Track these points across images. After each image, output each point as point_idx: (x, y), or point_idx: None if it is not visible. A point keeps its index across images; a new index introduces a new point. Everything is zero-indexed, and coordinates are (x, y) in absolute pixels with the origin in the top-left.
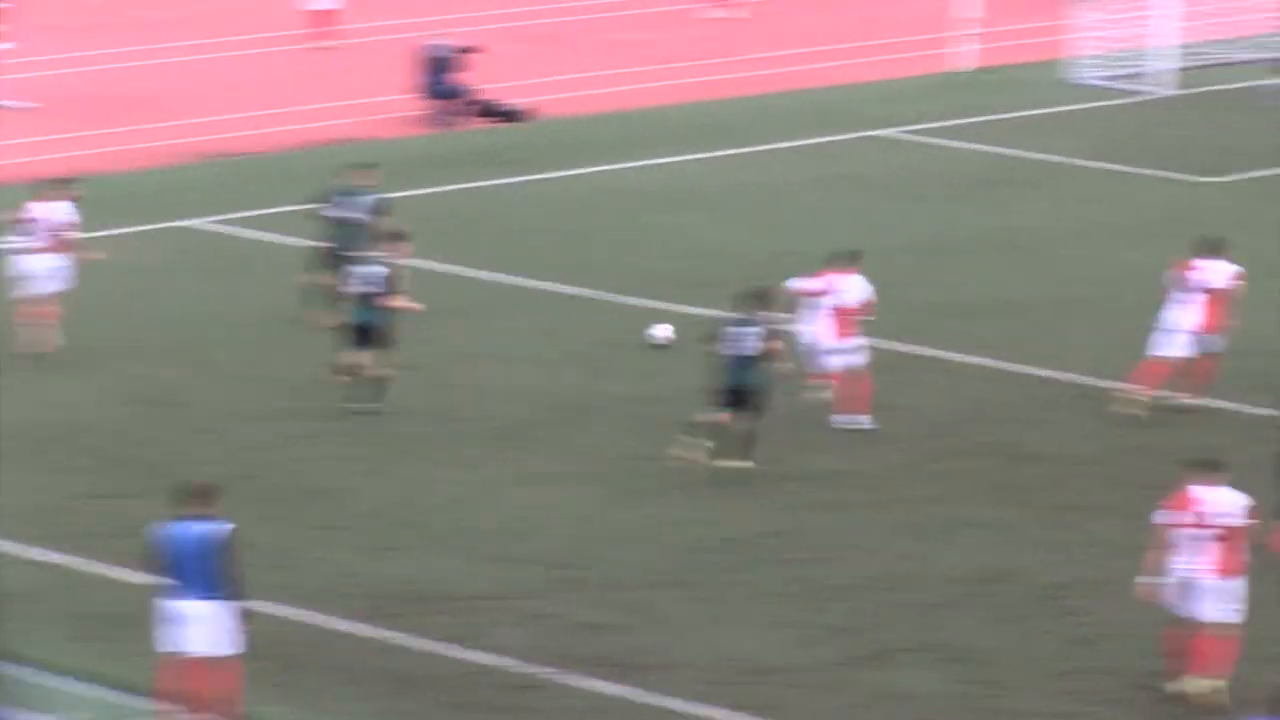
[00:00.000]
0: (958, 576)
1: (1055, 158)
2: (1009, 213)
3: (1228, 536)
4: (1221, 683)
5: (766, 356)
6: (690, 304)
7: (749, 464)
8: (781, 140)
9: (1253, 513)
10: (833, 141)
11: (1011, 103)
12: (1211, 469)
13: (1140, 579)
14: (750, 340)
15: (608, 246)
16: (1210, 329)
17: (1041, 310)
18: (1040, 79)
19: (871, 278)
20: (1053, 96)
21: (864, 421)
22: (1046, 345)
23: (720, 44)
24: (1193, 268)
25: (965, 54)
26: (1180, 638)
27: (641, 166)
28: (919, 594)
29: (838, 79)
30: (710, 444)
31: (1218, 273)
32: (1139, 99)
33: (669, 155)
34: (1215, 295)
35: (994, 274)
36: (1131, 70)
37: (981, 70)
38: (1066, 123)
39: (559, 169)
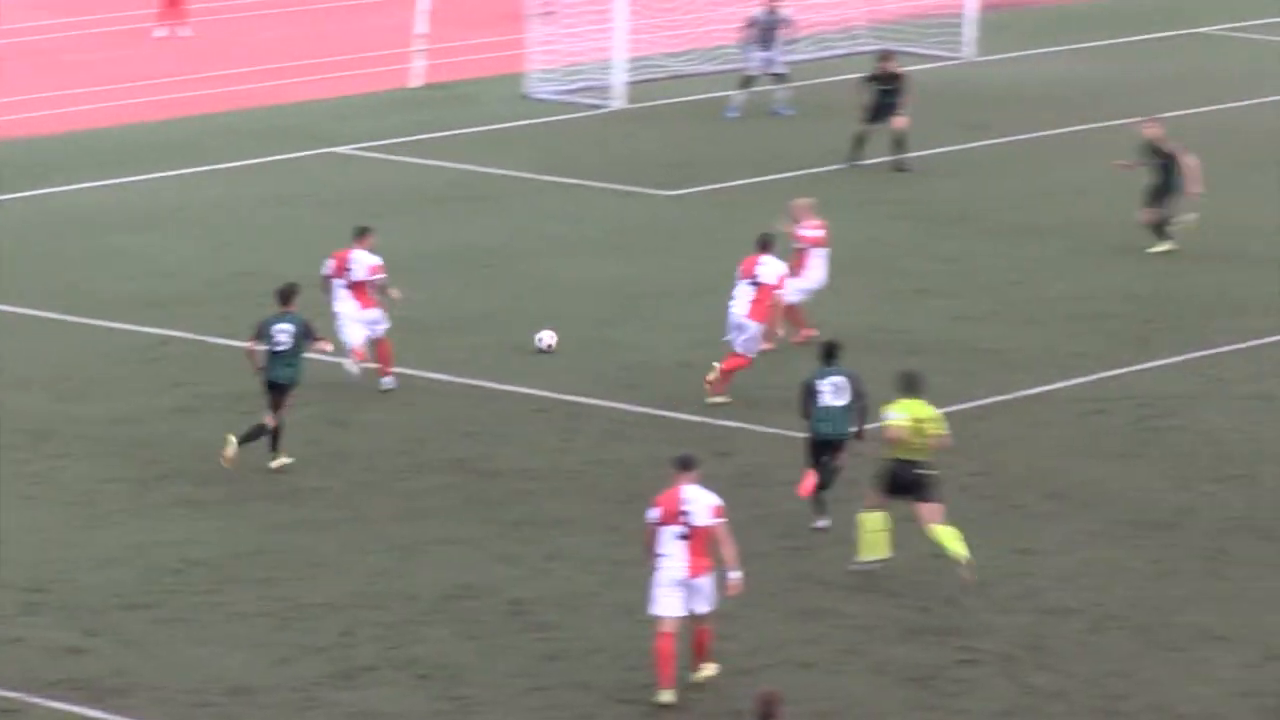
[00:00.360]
0: (428, 593)
1: (513, 172)
2: (467, 229)
3: (694, 535)
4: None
5: (298, 351)
6: (153, 325)
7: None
8: (239, 159)
9: (719, 511)
10: (290, 159)
11: (469, 118)
12: (683, 467)
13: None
14: (283, 336)
15: (70, 268)
16: (760, 319)
17: (501, 325)
18: (497, 94)
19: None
20: (510, 111)
21: (387, 382)
22: (507, 360)
23: (175, 62)
24: (755, 263)
25: (419, 70)
26: (672, 638)
27: (100, 187)
28: (390, 612)
29: (294, 96)
30: (239, 442)
31: (768, 268)
32: (595, 113)
33: (127, 175)
34: (763, 290)
35: (453, 290)
36: (587, 84)
37: (436, 86)
38: (523, 137)
39: (18, 191)
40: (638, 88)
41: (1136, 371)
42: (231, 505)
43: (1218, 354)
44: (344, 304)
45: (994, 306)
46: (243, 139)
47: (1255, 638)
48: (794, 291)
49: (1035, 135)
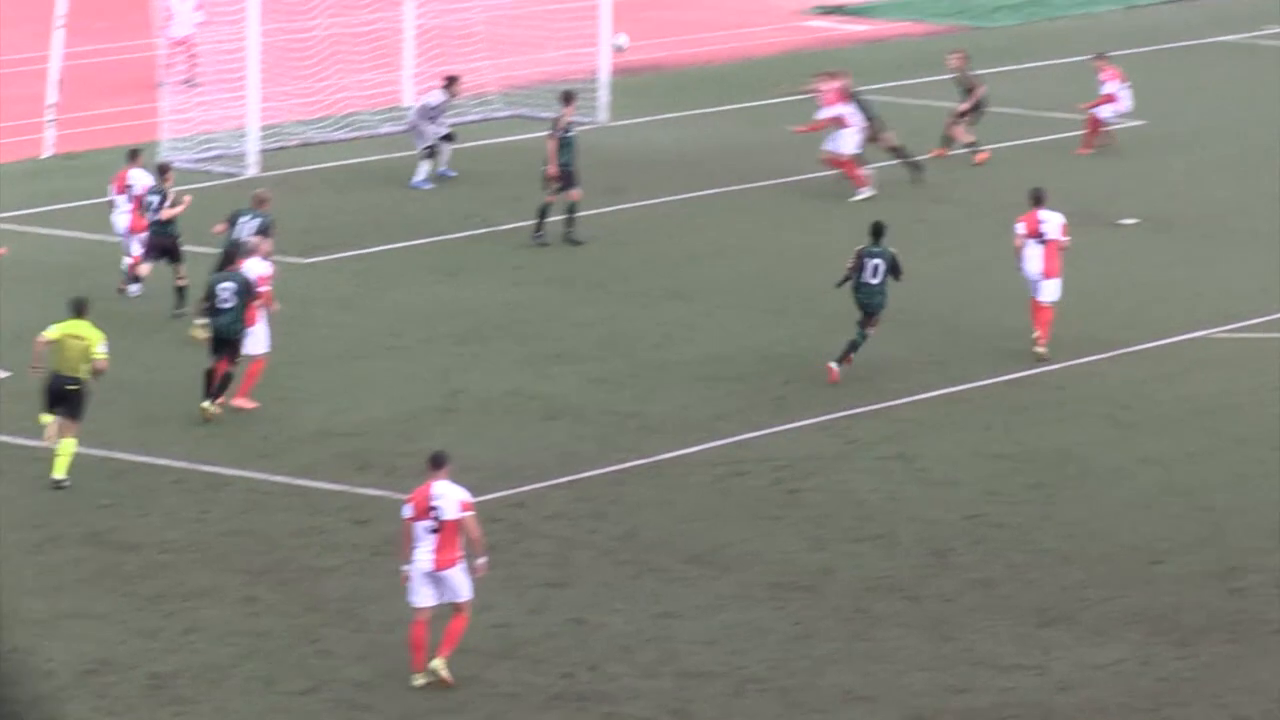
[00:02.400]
0: (64, 670)
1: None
2: (101, 299)
3: (444, 528)
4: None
5: (243, 308)
6: None
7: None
8: None
9: (467, 505)
10: None
11: (100, 188)
12: (435, 465)
13: (403, 568)
14: (225, 294)
15: None
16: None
17: (139, 395)
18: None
19: None
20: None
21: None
22: (143, 432)
23: None
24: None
25: (50, 140)
26: (424, 625)
27: None
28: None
29: None
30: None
31: (1050, 223)
32: (229, 181)
33: None
34: (1051, 244)
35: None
36: (221, 152)
37: (68, 156)
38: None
39: None
40: (271, 155)
41: (774, 433)
42: None
43: (854, 415)
44: None
45: (633, 370)
46: None
47: (897, 698)
48: None
49: (672, 198)
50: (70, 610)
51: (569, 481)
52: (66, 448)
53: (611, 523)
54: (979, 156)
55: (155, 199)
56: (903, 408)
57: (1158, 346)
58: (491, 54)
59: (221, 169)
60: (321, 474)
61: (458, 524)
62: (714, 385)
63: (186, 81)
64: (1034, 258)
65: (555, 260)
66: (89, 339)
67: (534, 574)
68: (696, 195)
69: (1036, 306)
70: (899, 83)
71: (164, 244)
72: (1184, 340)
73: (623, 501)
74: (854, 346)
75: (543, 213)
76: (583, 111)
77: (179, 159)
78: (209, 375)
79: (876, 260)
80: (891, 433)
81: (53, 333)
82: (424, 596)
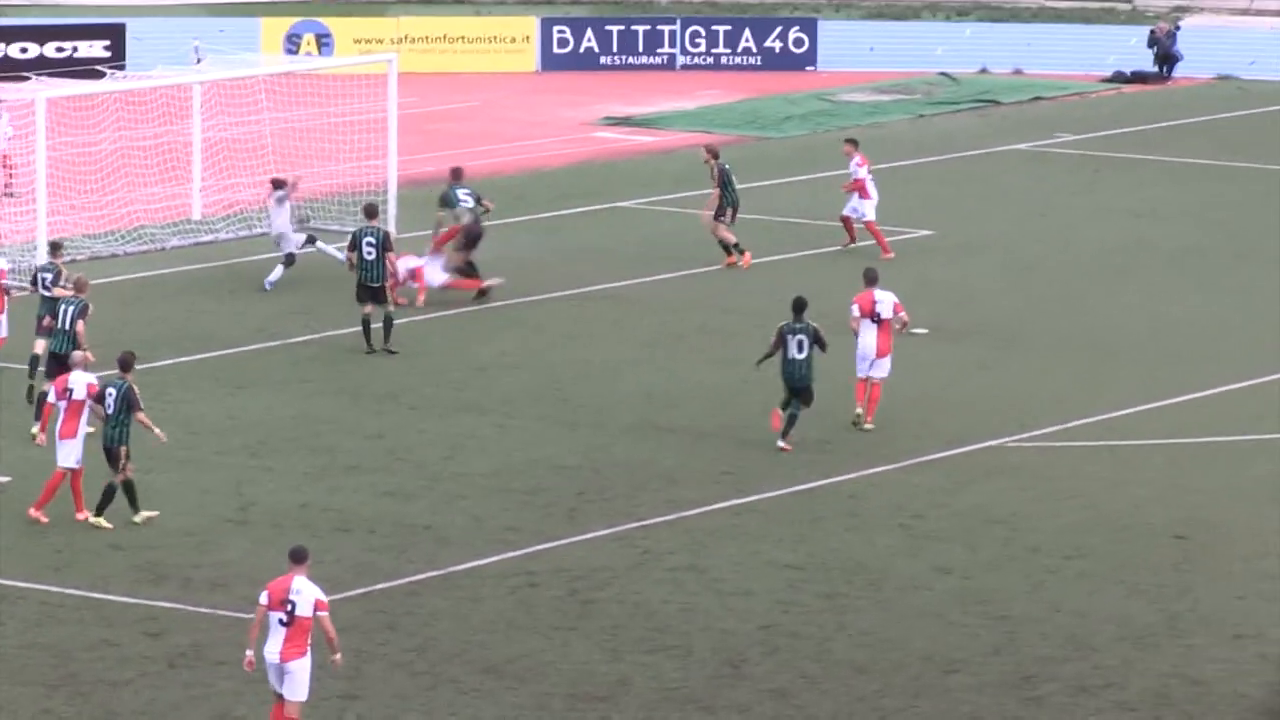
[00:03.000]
0: None
1: None
2: None
3: (294, 623)
4: None
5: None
6: None
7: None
8: None
9: (321, 605)
10: None
11: None
12: (296, 560)
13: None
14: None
15: None
16: None
17: None
18: None
19: None
20: None
21: None
22: None
23: None
24: None
25: None
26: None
27: None
28: None
29: None
30: None
31: None
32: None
33: None
34: None
35: None
36: (10, 266)
37: None
38: None
39: None
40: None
41: (567, 544)
42: None
43: (647, 525)
44: None
45: (425, 482)
46: None
47: None
48: None
49: (462, 311)
50: None
51: (362, 594)
52: None
53: (405, 634)
54: (746, 258)
55: (48, 275)
56: (695, 518)
57: (950, 455)
58: (281, 166)
59: (8, 283)
60: (115, 587)
61: (308, 621)
62: (506, 496)
63: (8, 194)
64: (868, 336)
65: (345, 372)
66: None
67: (328, 686)
68: (488, 308)
69: (863, 385)
70: (689, 193)
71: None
72: (976, 449)
73: (415, 613)
74: (792, 421)
75: (365, 324)
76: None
77: None
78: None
79: (800, 336)
80: (685, 543)
81: None
82: (273, 681)
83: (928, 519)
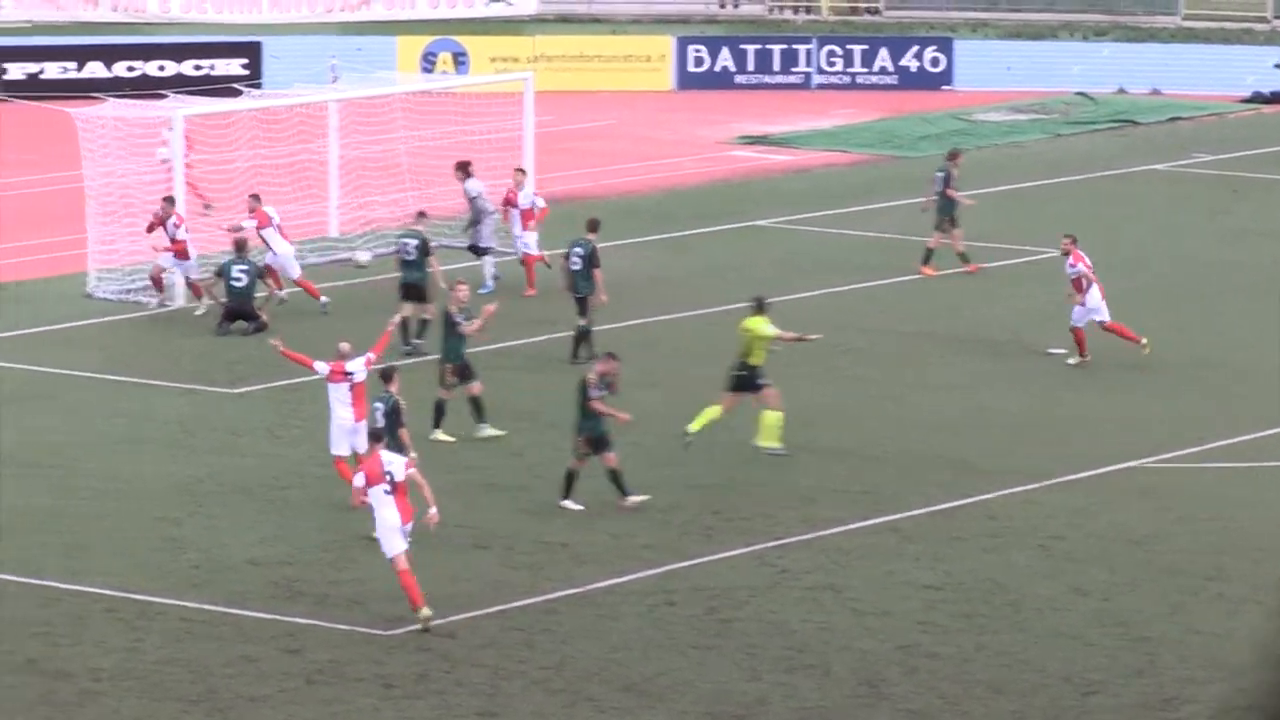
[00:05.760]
0: None
1: (75, 372)
2: (28, 429)
3: (398, 489)
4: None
5: None
6: None
7: None
8: None
9: (411, 464)
10: None
11: (33, 317)
12: (375, 439)
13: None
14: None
15: None
16: None
17: (68, 524)
18: (59, 293)
19: None
20: (71, 311)
21: None
22: (74, 560)
23: None
24: None
25: None
26: (408, 569)
27: None
28: None
29: None
30: None
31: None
32: (156, 311)
33: None
34: None
35: (15, 489)
36: (147, 283)
37: None
38: (84, 337)
39: None
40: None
41: (705, 563)
42: None
43: (784, 544)
44: None
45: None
46: None
47: None
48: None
49: (603, 326)
50: None
51: (499, 611)
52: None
53: (543, 652)
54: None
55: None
56: (832, 537)
57: (1089, 476)
58: (416, 184)
59: (147, 299)
60: (252, 603)
61: (407, 482)
62: (643, 515)
63: (208, 206)
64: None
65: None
66: None
67: (466, 703)
68: (625, 325)
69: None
70: (824, 212)
71: None
72: (1113, 470)
73: (553, 631)
74: None
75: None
76: (506, 241)
77: (104, 290)
78: None
79: None
80: (822, 562)
81: None
82: (396, 545)
83: (1066, 540)
